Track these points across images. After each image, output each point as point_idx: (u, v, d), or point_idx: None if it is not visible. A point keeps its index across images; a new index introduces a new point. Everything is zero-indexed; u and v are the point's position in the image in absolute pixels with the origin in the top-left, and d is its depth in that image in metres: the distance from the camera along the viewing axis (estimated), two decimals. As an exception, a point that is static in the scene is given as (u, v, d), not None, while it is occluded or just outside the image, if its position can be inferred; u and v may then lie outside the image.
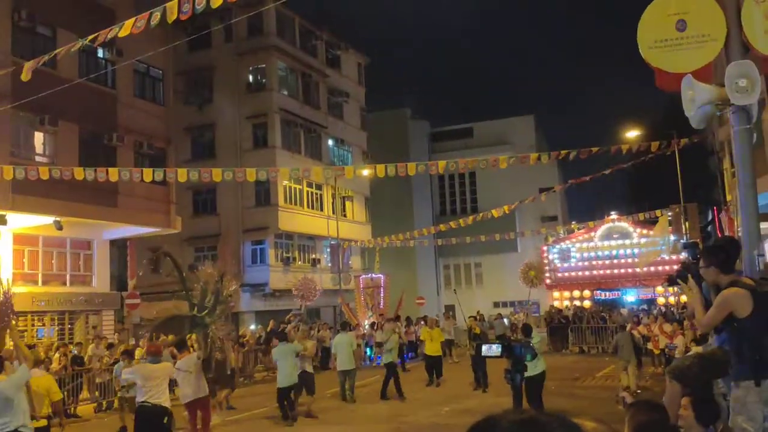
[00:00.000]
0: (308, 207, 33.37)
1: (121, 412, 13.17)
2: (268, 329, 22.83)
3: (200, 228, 30.38)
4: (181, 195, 26.20)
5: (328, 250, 34.93)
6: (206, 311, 12.18)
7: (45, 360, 11.18)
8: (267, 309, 30.13)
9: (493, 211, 22.87)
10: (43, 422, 8.22)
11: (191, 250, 31.63)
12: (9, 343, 9.53)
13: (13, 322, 10.15)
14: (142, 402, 8.70)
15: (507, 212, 23.88)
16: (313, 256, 34.19)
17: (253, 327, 26.57)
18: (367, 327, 25.59)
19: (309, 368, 13.49)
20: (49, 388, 8.68)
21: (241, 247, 31.23)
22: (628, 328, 17.01)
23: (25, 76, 10.09)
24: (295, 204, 32.39)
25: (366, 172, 18.33)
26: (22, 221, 19.20)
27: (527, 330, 12.25)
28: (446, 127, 48.08)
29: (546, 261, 33.14)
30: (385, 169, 14.95)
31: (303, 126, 33.16)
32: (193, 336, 13.02)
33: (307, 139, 33.59)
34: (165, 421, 8.72)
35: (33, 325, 20.76)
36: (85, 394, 16.10)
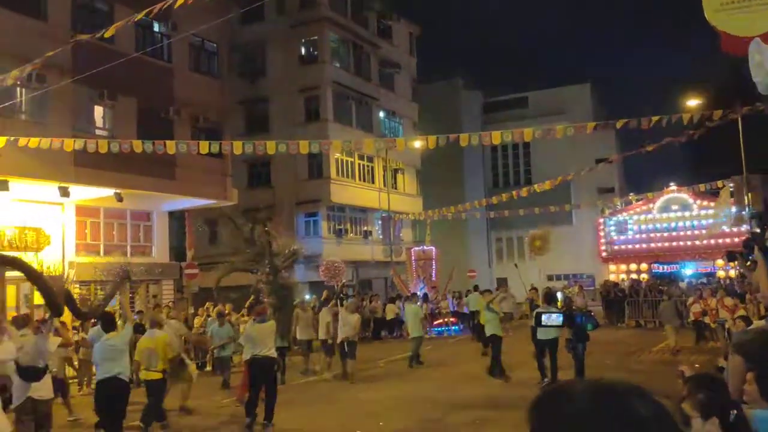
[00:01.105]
0: (360, 179, 33.48)
1: (216, 371, 14.82)
2: (322, 299, 23.12)
3: (255, 200, 30.76)
4: (236, 167, 26.61)
5: (380, 222, 35.07)
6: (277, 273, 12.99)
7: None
8: (320, 280, 30.52)
9: (548, 183, 22.46)
10: (158, 375, 9.76)
11: (246, 222, 32.21)
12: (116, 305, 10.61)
13: (126, 285, 11.00)
14: (255, 355, 9.99)
15: (562, 184, 23.45)
16: (365, 228, 34.39)
17: (307, 297, 26.97)
18: (420, 299, 25.74)
19: (354, 338, 14.63)
20: (166, 345, 9.94)
21: (295, 219, 31.63)
22: (690, 301, 17.41)
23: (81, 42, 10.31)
24: (347, 176, 32.54)
25: (417, 143, 18.12)
26: (84, 193, 19.81)
27: (550, 297, 12.98)
28: (500, 97, 47.31)
29: (602, 233, 32.48)
30: (436, 141, 14.79)
31: (354, 98, 33.14)
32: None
33: (359, 112, 33.58)
34: (275, 368, 10.37)
35: (96, 295, 21.53)
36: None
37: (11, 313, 14.82)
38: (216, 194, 23.84)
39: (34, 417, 7.73)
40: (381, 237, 34.46)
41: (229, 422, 10.66)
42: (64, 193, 18.70)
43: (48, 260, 20.10)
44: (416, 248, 29.68)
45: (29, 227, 19.83)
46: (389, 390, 12.63)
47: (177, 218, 25.75)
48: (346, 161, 32.48)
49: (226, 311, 16.62)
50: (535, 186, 23.74)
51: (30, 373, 7.59)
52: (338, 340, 14.66)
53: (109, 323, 8.90)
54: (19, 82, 17.12)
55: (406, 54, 39.00)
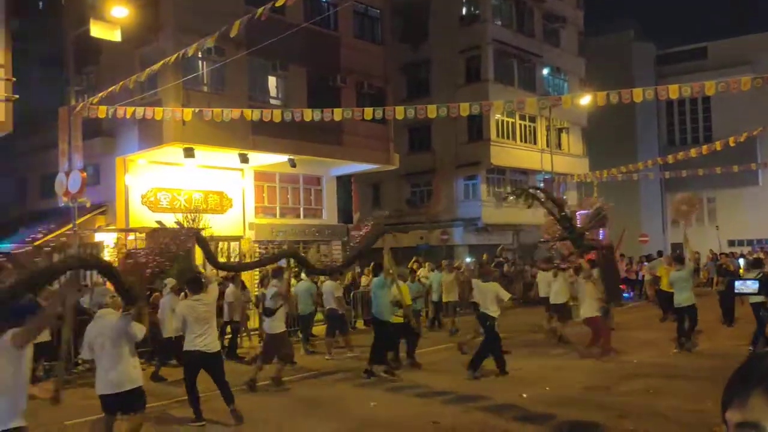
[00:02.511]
0: (521, 140, 32.71)
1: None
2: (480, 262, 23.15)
3: (416, 164, 31.27)
4: (397, 132, 27.08)
5: (542, 184, 34.14)
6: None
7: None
8: (479, 243, 30.48)
9: (730, 140, 20.57)
10: (401, 320, 11.10)
11: (407, 186, 32.83)
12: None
13: (390, 235, 11.63)
14: (483, 311, 10.79)
15: (746, 141, 21.37)
16: (527, 190, 33.61)
17: (468, 260, 27.08)
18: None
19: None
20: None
21: (454, 182, 31.69)
22: None
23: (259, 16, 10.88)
24: (508, 138, 31.93)
25: (585, 100, 17.33)
26: (261, 160, 21.20)
27: (680, 258, 12.95)
28: (675, 48, 43.77)
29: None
30: (606, 97, 14.03)
31: (516, 56, 32.23)
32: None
33: (521, 70, 32.64)
34: (488, 324, 10.71)
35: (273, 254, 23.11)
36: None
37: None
38: (380, 159, 24.47)
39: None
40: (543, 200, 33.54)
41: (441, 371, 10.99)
42: (244, 159, 20.12)
43: (230, 222, 21.90)
44: (582, 212, 28.58)
45: (213, 191, 21.65)
46: (550, 359, 12.41)
47: (343, 182, 26.80)
48: (507, 122, 31.84)
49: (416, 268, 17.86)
50: (717, 143, 21.83)
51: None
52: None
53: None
54: (200, 56, 18.56)
55: (572, 6, 37.13)
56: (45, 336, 9.02)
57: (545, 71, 34.48)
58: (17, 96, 16.86)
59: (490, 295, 10.74)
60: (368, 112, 15.95)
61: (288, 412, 8.98)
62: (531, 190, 15.61)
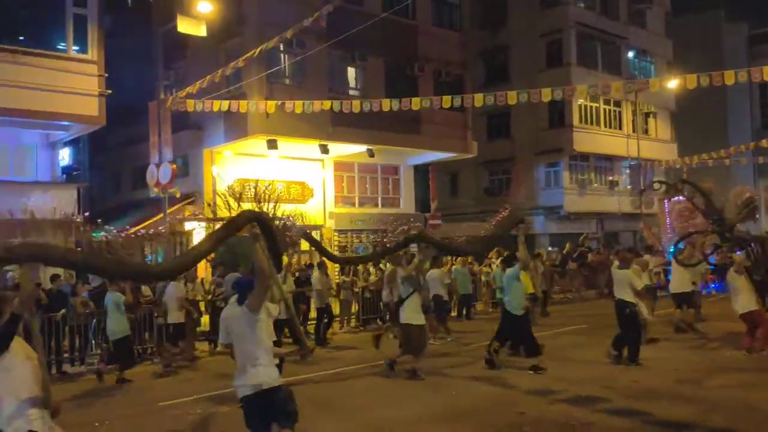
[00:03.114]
0: (605, 126, 31.75)
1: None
2: (564, 252, 22.63)
3: (494, 151, 30.89)
4: (476, 120, 26.82)
5: (627, 171, 33.06)
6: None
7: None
8: (561, 232, 29.85)
9: (835, 122, 19.32)
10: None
11: (486, 174, 32.50)
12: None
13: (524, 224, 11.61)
14: (619, 298, 10.59)
15: None
16: (611, 177, 32.68)
17: (550, 249, 26.59)
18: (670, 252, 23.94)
19: None
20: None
21: (535, 169, 31.13)
22: None
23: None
24: (591, 123, 31.05)
25: (673, 84, 16.60)
26: (340, 150, 21.48)
27: None
28: (770, 27, 41.36)
29: None
30: (696, 80, 13.43)
31: (600, 39, 31.25)
32: None
33: (604, 53, 31.61)
34: (627, 311, 10.43)
35: (352, 243, 23.45)
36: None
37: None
38: (457, 147, 24.34)
39: None
40: (629, 187, 32.49)
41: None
42: (324, 150, 20.46)
43: (312, 211, 22.33)
44: (674, 198, 27.48)
45: (295, 181, 22.13)
46: (647, 351, 12.01)
47: (421, 171, 26.81)
48: (591, 107, 30.96)
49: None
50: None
51: None
52: None
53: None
54: (282, 49, 18.93)
55: (660, -15, 35.65)
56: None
57: (630, 54, 33.30)
58: (110, 91, 17.75)
59: (624, 282, 10.58)
60: (446, 100, 15.89)
61: (381, 396, 9.11)
62: (681, 180, 15.07)
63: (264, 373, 5.01)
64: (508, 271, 10.85)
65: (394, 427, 7.51)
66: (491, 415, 7.90)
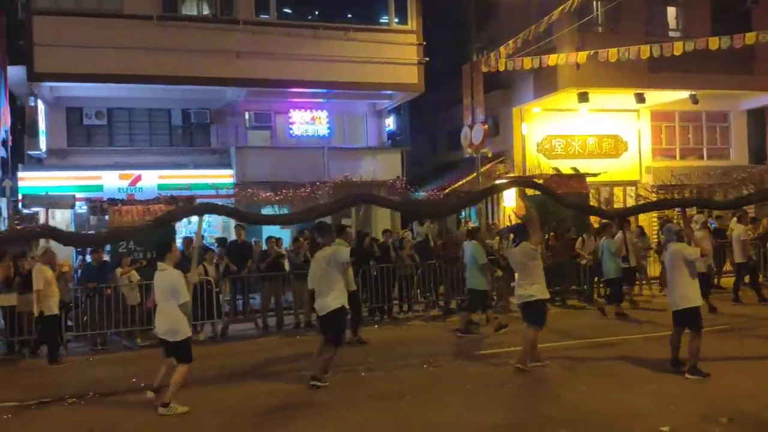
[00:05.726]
0: None
1: None
2: None
3: None
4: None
5: None
6: None
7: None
8: None
9: None
10: None
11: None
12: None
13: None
14: None
15: None
16: None
17: None
18: None
19: None
20: None
21: None
22: None
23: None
24: None
25: None
26: (658, 98, 19.97)
27: None
28: None
29: None
30: None
31: None
32: None
33: None
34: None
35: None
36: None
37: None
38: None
39: None
40: None
41: None
42: (640, 99, 19.21)
43: (625, 166, 21.28)
44: None
45: (607, 135, 21.24)
46: None
47: (756, 117, 23.59)
48: None
49: None
50: None
51: None
52: None
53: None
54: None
55: None
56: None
57: None
58: (428, 58, 18.91)
59: None
60: (792, 31, 13.74)
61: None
62: None
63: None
64: None
65: None
66: (624, 428, 6.09)
